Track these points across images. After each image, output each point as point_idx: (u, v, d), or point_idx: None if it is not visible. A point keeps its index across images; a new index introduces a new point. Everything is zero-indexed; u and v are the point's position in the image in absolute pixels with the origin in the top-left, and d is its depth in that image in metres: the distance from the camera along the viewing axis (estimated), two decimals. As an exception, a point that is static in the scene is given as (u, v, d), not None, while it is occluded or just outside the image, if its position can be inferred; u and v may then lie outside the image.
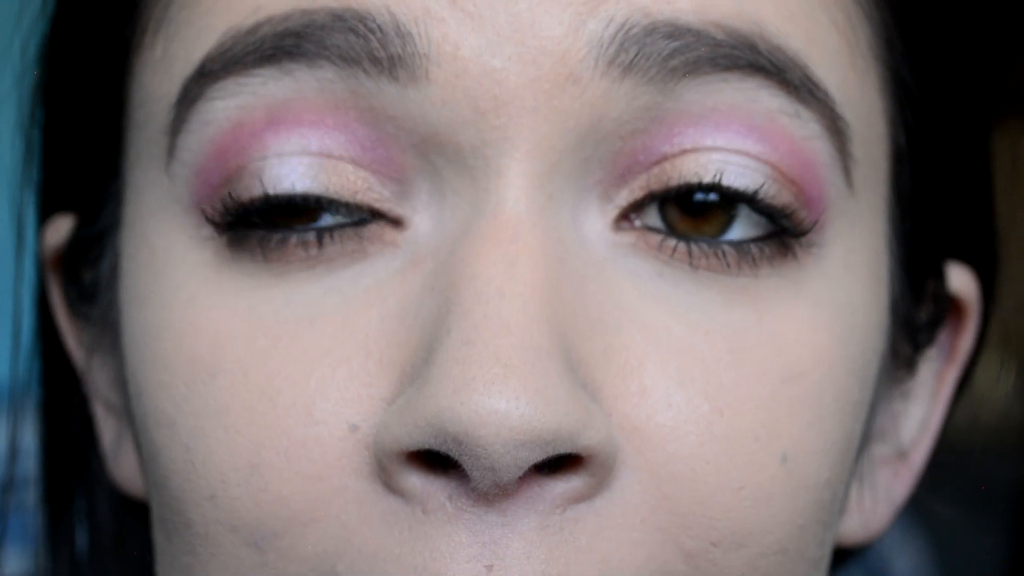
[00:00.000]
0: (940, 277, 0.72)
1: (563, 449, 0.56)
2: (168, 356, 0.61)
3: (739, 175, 0.60)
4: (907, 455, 0.73)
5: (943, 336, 0.73)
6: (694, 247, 0.60)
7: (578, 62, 0.58)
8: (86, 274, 0.72)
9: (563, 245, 0.59)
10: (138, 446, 0.66)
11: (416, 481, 0.57)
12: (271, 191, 0.60)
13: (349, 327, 0.59)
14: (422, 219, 0.60)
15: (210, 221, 0.61)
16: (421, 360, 0.57)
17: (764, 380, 0.59)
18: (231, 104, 0.60)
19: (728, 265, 0.60)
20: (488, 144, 0.58)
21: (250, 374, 0.59)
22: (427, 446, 0.56)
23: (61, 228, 0.74)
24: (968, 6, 0.71)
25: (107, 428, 0.74)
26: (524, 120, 0.58)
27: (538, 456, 0.55)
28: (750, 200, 0.60)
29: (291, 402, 0.58)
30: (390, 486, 0.57)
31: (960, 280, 0.73)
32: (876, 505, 0.71)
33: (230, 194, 0.60)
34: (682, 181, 0.60)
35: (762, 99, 0.60)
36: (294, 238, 0.60)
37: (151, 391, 0.62)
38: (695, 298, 0.60)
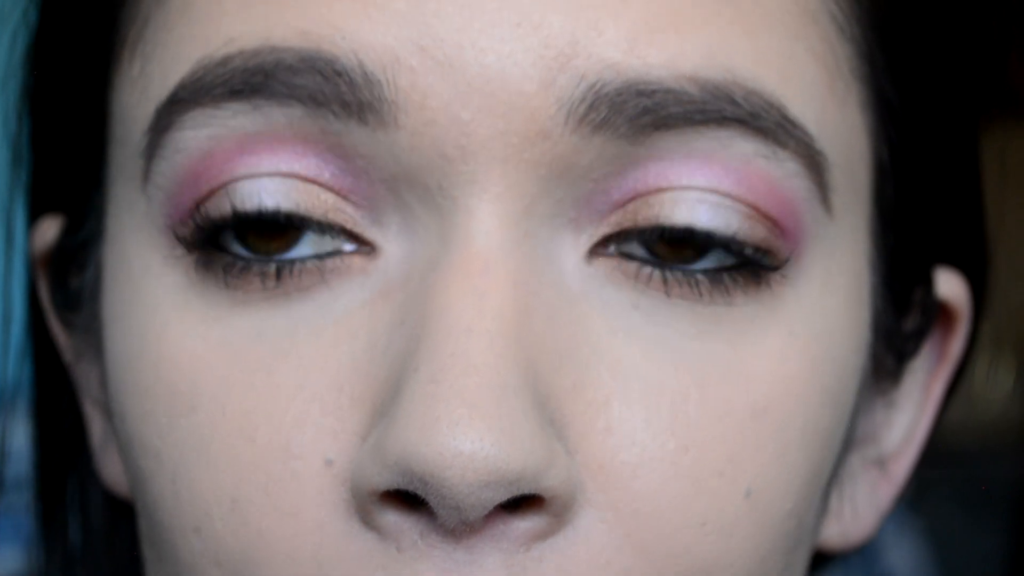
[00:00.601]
0: (928, 285, 0.71)
1: (526, 489, 0.55)
2: (148, 386, 0.61)
3: (714, 215, 0.59)
4: (890, 464, 0.72)
5: (932, 342, 0.72)
6: (668, 275, 0.59)
7: (548, 119, 0.57)
8: (73, 279, 0.72)
9: (535, 279, 0.58)
10: (124, 464, 0.66)
11: (391, 518, 0.57)
12: (239, 207, 0.59)
13: (321, 361, 0.59)
14: (393, 248, 0.60)
15: (181, 241, 0.61)
16: (390, 396, 0.57)
17: (732, 415, 0.59)
18: (202, 134, 0.60)
19: (701, 295, 0.59)
20: (456, 186, 0.58)
21: (227, 410, 0.59)
22: (397, 486, 0.56)
23: (50, 230, 0.74)
24: (949, 16, 0.69)
25: (95, 425, 0.74)
26: (493, 168, 0.58)
27: (502, 496, 0.55)
28: (725, 245, 0.59)
29: (269, 438, 0.58)
30: (367, 523, 0.57)
31: (949, 285, 0.72)
32: (856, 514, 0.71)
33: (201, 212, 0.60)
34: (655, 223, 0.59)
35: (737, 144, 0.59)
36: (255, 267, 0.60)
37: (134, 419, 0.62)
38: (667, 330, 0.59)
